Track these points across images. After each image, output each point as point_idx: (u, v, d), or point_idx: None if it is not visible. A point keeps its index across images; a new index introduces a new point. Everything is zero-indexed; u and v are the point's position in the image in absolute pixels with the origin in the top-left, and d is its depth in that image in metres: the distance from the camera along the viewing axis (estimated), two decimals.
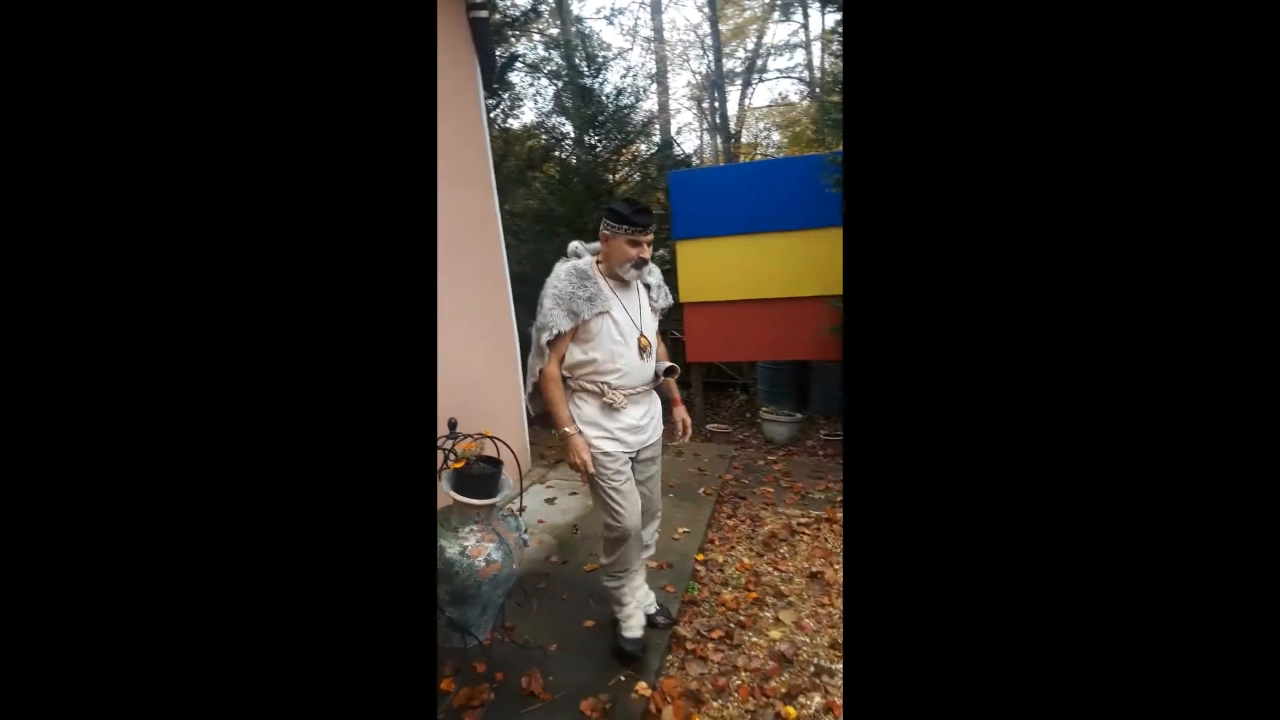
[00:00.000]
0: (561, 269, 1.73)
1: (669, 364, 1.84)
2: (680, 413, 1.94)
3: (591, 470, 1.71)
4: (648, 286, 1.84)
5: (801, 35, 11.59)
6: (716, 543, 2.68)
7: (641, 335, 1.75)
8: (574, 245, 1.81)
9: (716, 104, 11.25)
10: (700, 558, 2.53)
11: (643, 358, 1.75)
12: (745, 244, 4.05)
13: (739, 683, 1.80)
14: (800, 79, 11.92)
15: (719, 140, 11.13)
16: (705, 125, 12.36)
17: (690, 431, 1.93)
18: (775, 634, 2.02)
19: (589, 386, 1.73)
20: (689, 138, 12.43)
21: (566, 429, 1.70)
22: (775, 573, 2.42)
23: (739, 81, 12.07)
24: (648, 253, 1.70)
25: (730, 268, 4.10)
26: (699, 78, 12.19)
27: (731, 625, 2.08)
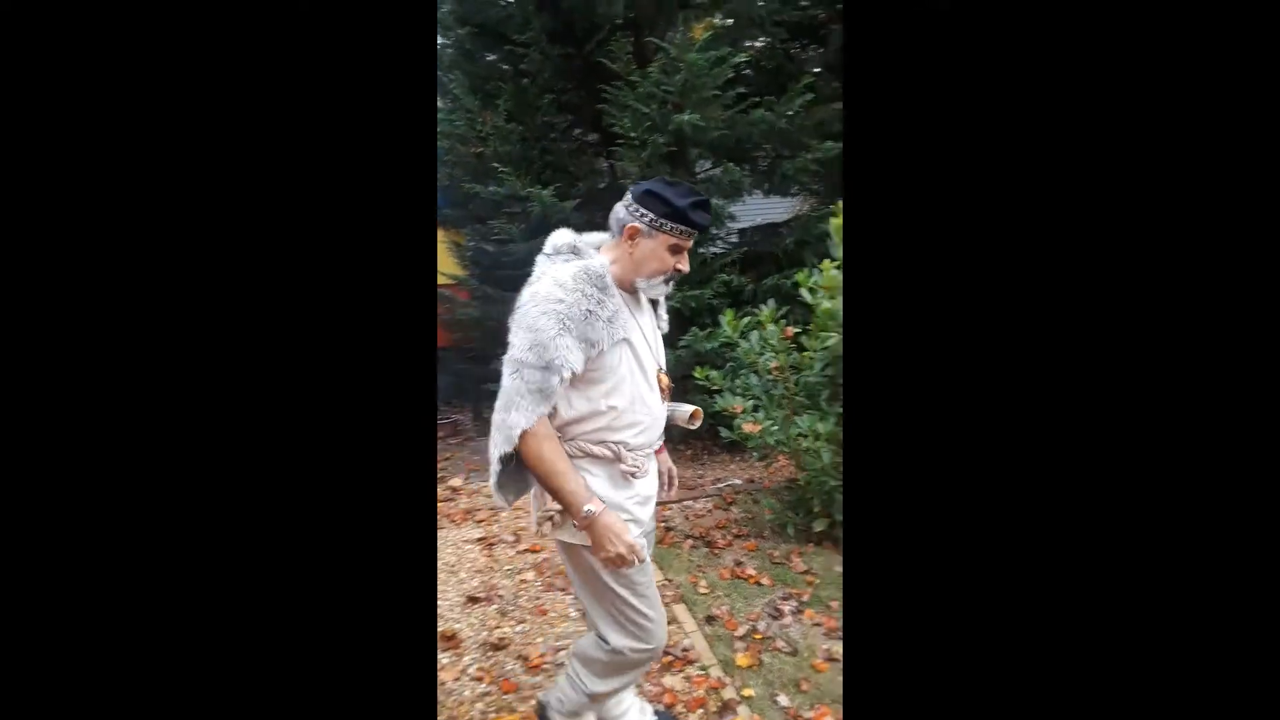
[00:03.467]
0: (565, 273, 1.11)
1: (691, 407, 1.33)
2: (664, 460, 1.38)
3: (642, 558, 1.14)
4: (654, 302, 1.28)
5: None
6: None
7: (660, 370, 1.25)
8: (566, 236, 1.21)
9: None
10: None
11: (662, 400, 1.26)
12: None
13: None
14: None
15: None
16: None
17: (676, 484, 1.41)
18: None
19: (597, 451, 1.16)
20: None
21: (589, 507, 1.08)
22: None
23: None
24: (687, 265, 1.19)
25: None
26: None
27: None
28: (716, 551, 2.44)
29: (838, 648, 1.83)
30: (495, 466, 1.12)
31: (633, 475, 1.18)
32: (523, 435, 1.06)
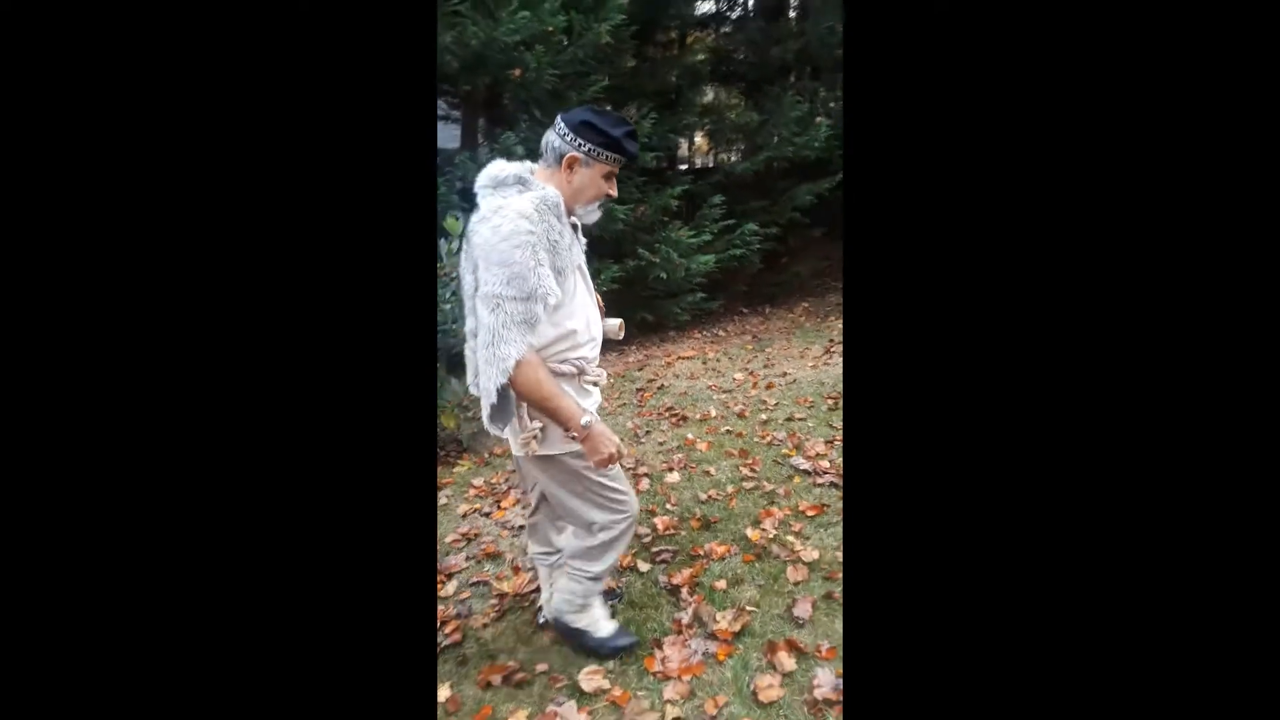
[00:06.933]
0: (526, 204, 1.16)
1: (618, 320, 1.50)
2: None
3: (624, 454, 1.32)
4: (575, 225, 1.37)
5: None
6: None
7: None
8: (508, 167, 1.24)
9: None
10: None
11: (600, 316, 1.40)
12: None
13: None
14: None
15: None
16: None
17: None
18: None
19: (563, 369, 1.28)
20: None
21: (586, 419, 1.21)
22: None
23: None
24: (615, 190, 1.30)
25: None
26: None
27: None
28: None
29: None
30: (491, 400, 1.19)
31: (594, 384, 1.33)
32: (517, 365, 1.14)
